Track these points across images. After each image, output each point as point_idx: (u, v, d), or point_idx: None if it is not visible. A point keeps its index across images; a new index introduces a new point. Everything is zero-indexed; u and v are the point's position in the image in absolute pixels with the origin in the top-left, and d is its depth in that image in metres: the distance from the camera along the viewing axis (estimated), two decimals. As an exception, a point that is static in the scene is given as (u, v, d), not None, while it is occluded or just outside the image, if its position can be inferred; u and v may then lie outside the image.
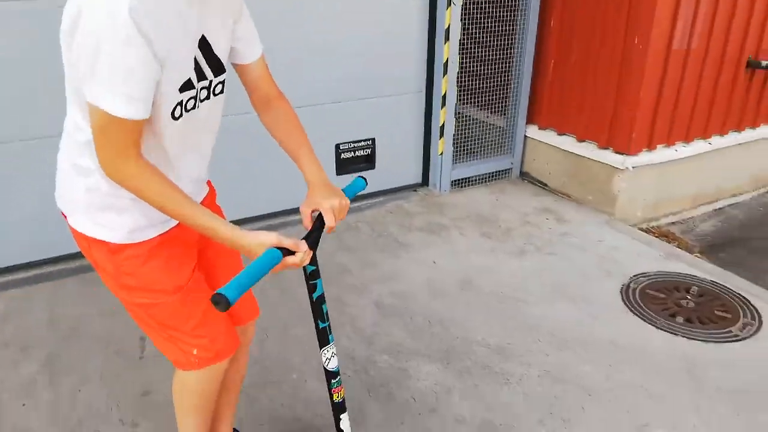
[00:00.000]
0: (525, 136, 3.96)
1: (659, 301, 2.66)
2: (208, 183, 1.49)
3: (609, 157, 3.45)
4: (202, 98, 1.21)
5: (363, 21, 3.27)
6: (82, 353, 2.25)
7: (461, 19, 3.41)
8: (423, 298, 2.64)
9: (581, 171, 3.64)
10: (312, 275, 1.30)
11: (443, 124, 3.63)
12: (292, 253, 1.15)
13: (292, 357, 2.25)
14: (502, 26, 3.60)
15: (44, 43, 2.33)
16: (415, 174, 3.82)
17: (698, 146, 3.61)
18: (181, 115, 1.17)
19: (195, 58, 1.16)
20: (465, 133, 3.78)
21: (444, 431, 1.93)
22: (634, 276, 2.86)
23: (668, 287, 2.77)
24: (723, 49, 3.44)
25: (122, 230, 1.25)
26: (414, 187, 3.80)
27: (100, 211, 1.24)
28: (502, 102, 3.82)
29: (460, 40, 3.45)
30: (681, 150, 3.53)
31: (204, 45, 1.18)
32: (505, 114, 3.89)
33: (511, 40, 3.67)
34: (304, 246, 1.17)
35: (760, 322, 2.53)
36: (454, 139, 3.70)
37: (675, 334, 2.44)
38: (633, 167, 3.37)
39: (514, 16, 3.62)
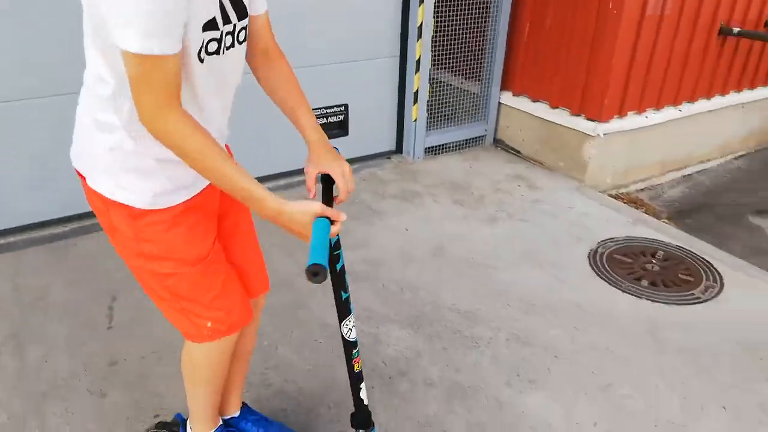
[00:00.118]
0: (499, 103, 3.95)
1: (626, 265, 2.72)
2: (227, 147, 1.39)
3: (581, 123, 3.46)
4: (227, 45, 1.14)
5: (334, -17, 3.19)
6: (47, 323, 2.21)
7: (435, -18, 3.35)
8: (395, 265, 2.65)
9: (553, 138, 3.65)
10: (335, 246, 1.28)
11: (417, 90, 3.59)
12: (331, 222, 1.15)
13: (264, 325, 2.24)
14: (476, -10, 3.54)
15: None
16: (389, 141, 3.79)
17: (668, 113, 3.64)
18: (204, 58, 1.10)
19: None
20: (439, 100, 3.75)
21: (414, 394, 1.97)
22: (602, 241, 2.91)
23: (635, 252, 2.83)
24: (696, 15, 3.45)
25: (146, 194, 1.19)
26: (388, 154, 3.78)
27: (123, 172, 1.17)
28: (476, 67, 3.79)
29: (434, 3, 3.39)
30: (651, 117, 3.56)
31: None
32: (479, 80, 3.86)
33: (487, 3, 3.62)
34: (343, 216, 1.17)
35: (722, 285, 2.60)
36: (428, 106, 3.67)
37: (640, 297, 2.51)
38: (604, 134, 3.40)
39: (488, -21, 3.56)
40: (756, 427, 1.90)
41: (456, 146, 3.91)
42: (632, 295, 2.52)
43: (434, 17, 3.43)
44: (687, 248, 2.87)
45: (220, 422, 1.62)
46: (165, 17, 0.96)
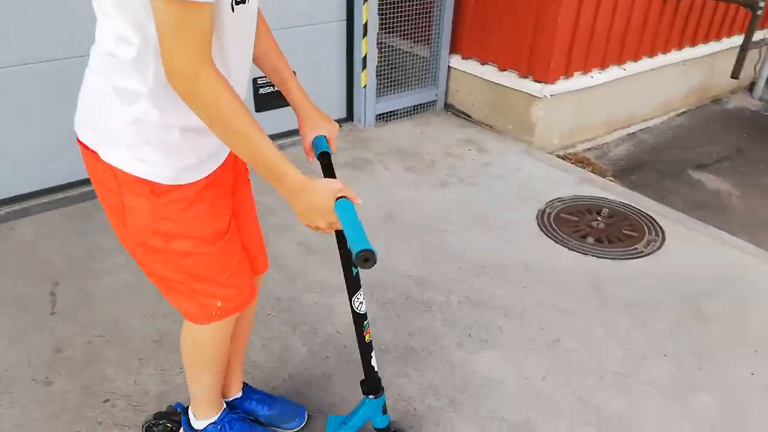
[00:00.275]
0: (448, 67, 3.93)
1: (572, 224, 2.79)
2: None
3: (528, 85, 3.49)
4: None
5: (273, -55, 3.06)
6: (-13, 312, 2.13)
7: (378, -57, 3.26)
8: (347, 235, 2.64)
9: (502, 101, 3.67)
10: None
11: (365, 56, 3.53)
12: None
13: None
14: (420, -50, 3.47)
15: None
16: (339, 109, 3.74)
17: (613, 72, 3.70)
18: (235, 7, 1.03)
19: None
20: (388, 65, 3.70)
21: (368, 361, 1.99)
22: (550, 201, 2.97)
23: (581, 210, 2.90)
24: (637, -27, 3.48)
25: (170, 169, 1.11)
26: (338, 122, 3.71)
27: (146, 145, 1.08)
28: (425, 31, 3.75)
29: (378, -35, 3.31)
30: (597, 77, 3.61)
31: None
32: (428, 44, 3.82)
33: (431, -35, 3.56)
34: (359, 199, 1.15)
35: (663, 239, 2.71)
36: (377, 71, 3.62)
37: (585, 254, 2.59)
38: (551, 95, 3.43)
39: (432, -61, 3.49)
40: (693, 372, 2.00)
41: (407, 112, 3.89)
42: (578, 252, 2.60)
43: (379, -20, 3.36)
44: (631, 204, 2.97)
45: (224, 405, 1.59)
46: None
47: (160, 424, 1.64)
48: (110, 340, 2.01)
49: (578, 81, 3.53)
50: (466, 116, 3.92)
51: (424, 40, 3.79)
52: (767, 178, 3.57)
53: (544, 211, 2.88)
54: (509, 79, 3.59)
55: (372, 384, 1.53)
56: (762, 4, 3.61)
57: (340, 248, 1.34)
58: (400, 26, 3.62)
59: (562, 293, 2.35)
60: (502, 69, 3.65)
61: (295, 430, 1.69)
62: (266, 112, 3.28)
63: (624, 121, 3.99)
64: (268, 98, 3.33)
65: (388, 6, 3.50)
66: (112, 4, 0.98)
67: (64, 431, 1.70)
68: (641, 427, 1.79)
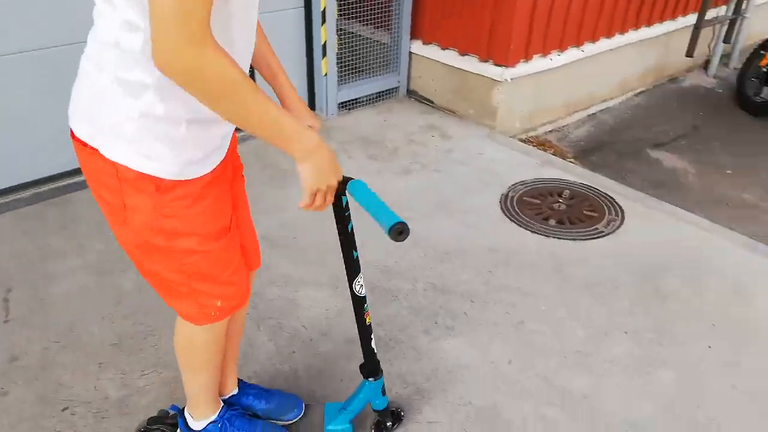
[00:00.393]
0: (410, 53, 3.91)
1: (534, 206, 2.82)
2: None
3: (489, 69, 3.49)
4: None
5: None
6: (-65, 322, 2.05)
7: (332, -73, 3.20)
8: (311, 227, 2.62)
9: (464, 85, 3.67)
10: (346, 207, 1.33)
11: (325, 43, 3.48)
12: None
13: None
14: (376, -66, 3.42)
15: None
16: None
17: (572, 54, 3.74)
18: None
19: None
20: (349, 52, 3.66)
21: (335, 353, 1.99)
22: (513, 185, 2.99)
23: (543, 193, 2.94)
24: (591, -46, 3.50)
25: (176, 164, 1.08)
26: (300, 112, 3.67)
27: (152, 140, 1.05)
28: (385, 16, 3.71)
29: (333, -50, 3.26)
30: (556, 59, 3.64)
31: None
32: (389, 29, 3.79)
33: (388, -51, 3.52)
34: None
35: (623, 218, 2.76)
36: (338, 59, 3.57)
37: (548, 236, 2.62)
38: (511, 79, 3.45)
39: None
40: (653, 347, 2.06)
41: (369, 100, 3.86)
42: (541, 234, 2.63)
43: (336, -35, 3.31)
44: (591, 185, 3.01)
45: (222, 404, 1.57)
46: None
47: (154, 429, 1.60)
48: (67, 346, 1.95)
49: (538, 64, 3.56)
50: (428, 102, 3.91)
51: (385, 25, 3.75)
52: (722, 155, 3.67)
53: (507, 195, 2.90)
54: (470, 63, 3.59)
55: (372, 367, 1.56)
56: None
57: (340, 234, 1.36)
58: (360, 12, 3.57)
59: (526, 276, 2.38)
60: (463, 53, 3.65)
61: (293, 420, 1.70)
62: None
63: (584, 102, 4.05)
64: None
65: (346, -9, 3.45)
66: None
67: (22, 442, 1.65)
68: (603, 405, 1.83)
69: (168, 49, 0.88)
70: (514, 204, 2.83)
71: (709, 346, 2.06)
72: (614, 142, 3.76)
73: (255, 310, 2.14)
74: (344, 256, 1.40)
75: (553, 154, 3.43)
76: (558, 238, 2.61)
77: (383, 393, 1.61)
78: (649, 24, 4.24)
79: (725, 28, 4.74)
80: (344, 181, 1.22)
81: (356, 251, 1.39)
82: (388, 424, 1.69)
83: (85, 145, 1.08)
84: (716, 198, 3.22)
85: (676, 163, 3.56)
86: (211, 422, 1.52)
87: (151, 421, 1.62)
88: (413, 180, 3.03)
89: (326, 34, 3.45)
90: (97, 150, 1.06)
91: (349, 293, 1.47)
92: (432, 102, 3.90)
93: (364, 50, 3.73)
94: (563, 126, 3.90)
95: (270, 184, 2.92)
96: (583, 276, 2.39)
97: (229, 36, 1.02)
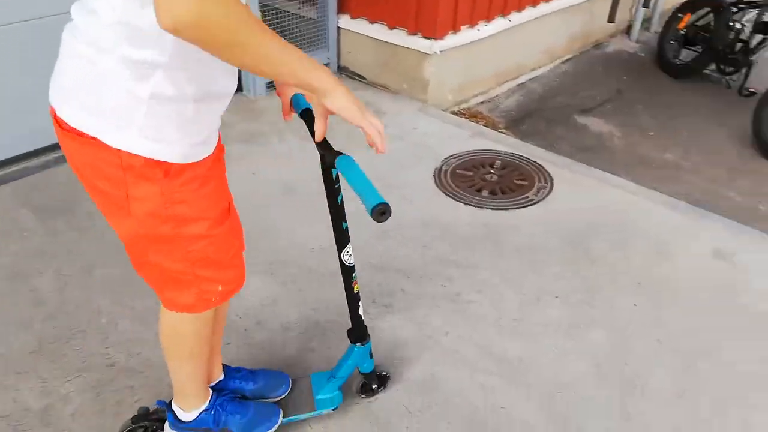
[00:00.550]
0: (338, 28, 3.82)
1: (467, 178, 2.85)
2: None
3: (418, 42, 3.46)
4: None
5: None
6: None
7: None
8: (245, 213, 2.49)
9: (394, 60, 3.63)
10: (336, 179, 1.34)
11: (247, 22, 3.34)
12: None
13: (99, 300, 2.08)
14: None
15: None
16: (225, 80, 3.54)
17: (499, 24, 3.75)
18: None
19: None
20: (276, 28, 3.53)
21: (272, 340, 1.95)
22: (446, 158, 3.01)
23: (475, 164, 2.97)
24: None
25: (184, 146, 1.05)
26: (227, 94, 3.54)
27: (162, 122, 1.01)
28: (310, -9, 3.60)
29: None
30: (483, 29, 3.65)
31: None
32: (315, 4, 3.69)
33: None
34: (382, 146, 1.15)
35: (552, 185, 2.83)
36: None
37: (481, 207, 2.65)
38: (440, 51, 3.43)
39: None
40: (583, 308, 2.13)
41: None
42: (474, 206, 2.66)
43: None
44: (521, 154, 3.06)
45: (211, 391, 1.54)
46: None
47: (140, 427, 1.55)
48: (-18, 356, 1.84)
49: (466, 35, 3.55)
50: (360, 78, 3.86)
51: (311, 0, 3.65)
52: (645, 118, 3.81)
53: (440, 169, 2.91)
54: (399, 37, 3.55)
55: (360, 332, 1.63)
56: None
57: (330, 206, 1.39)
58: (282, -13, 3.45)
59: (461, 248, 2.40)
60: (392, 27, 3.60)
61: (282, 396, 1.69)
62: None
63: (513, 71, 4.09)
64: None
65: (266, -34, 3.32)
66: None
67: (-64, 463, 1.55)
68: (540, 368, 1.89)
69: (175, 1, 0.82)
70: (448, 177, 2.84)
71: (635, 305, 2.15)
72: (543, 110, 3.83)
73: (187, 303, 2.07)
74: (334, 227, 1.44)
75: (484, 125, 3.46)
76: (491, 208, 2.65)
77: (370, 356, 1.68)
78: (572, -9, 4.31)
79: (645, -7, 4.89)
80: (334, 154, 1.23)
81: (345, 222, 1.44)
82: (374, 386, 1.75)
83: (80, 134, 1.01)
84: (640, 160, 3.35)
85: (602, 128, 3.66)
86: (203, 411, 1.50)
87: (135, 419, 1.57)
88: (346, 158, 2.99)
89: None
90: (96, 138, 1.00)
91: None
92: (364, 78, 3.85)
93: (291, 26, 3.62)
94: (494, 96, 3.93)
95: (198, 171, 2.81)
96: (516, 244, 2.44)
97: None
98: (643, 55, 4.78)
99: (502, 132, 3.45)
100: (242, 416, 1.54)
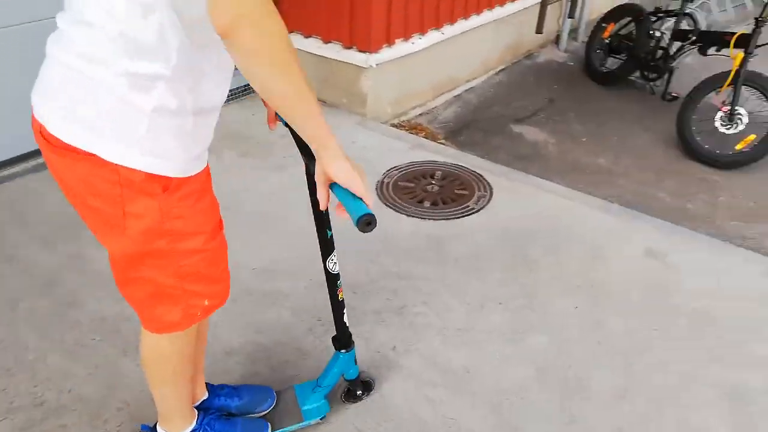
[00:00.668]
0: (273, 43, 3.77)
1: (409, 190, 2.86)
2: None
3: (354, 56, 3.47)
4: None
5: None
6: None
7: None
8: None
9: (331, 74, 3.62)
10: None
11: (178, 39, 3.26)
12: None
13: (26, 336, 1.95)
14: None
15: None
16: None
17: (433, 37, 3.81)
18: None
19: None
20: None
21: (214, 367, 1.88)
22: (387, 171, 3.01)
23: (417, 176, 2.99)
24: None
25: (183, 161, 1.05)
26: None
27: (163, 136, 0.99)
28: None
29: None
30: (418, 42, 3.70)
31: None
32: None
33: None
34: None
35: (491, 193, 2.88)
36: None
37: (423, 218, 2.67)
38: (377, 64, 3.45)
39: None
40: (524, 312, 2.17)
41: (235, 94, 3.69)
42: (417, 217, 2.67)
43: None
44: (461, 164, 3.11)
45: (197, 412, 1.52)
46: None
47: None
48: None
49: (401, 48, 3.59)
50: (298, 93, 3.82)
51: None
52: (576, 125, 3.95)
53: (382, 181, 2.91)
54: (335, 51, 3.55)
55: (344, 339, 1.65)
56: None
57: (315, 216, 1.44)
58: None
59: (405, 260, 2.41)
60: (327, 41, 3.60)
61: (268, 410, 1.68)
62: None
63: (449, 83, 4.16)
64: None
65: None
66: None
67: None
68: (484, 376, 1.90)
69: (238, 15, 0.84)
70: (390, 189, 2.85)
71: (576, 307, 2.21)
72: (480, 120, 3.91)
73: (119, 335, 1.97)
74: (318, 236, 1.47)
75: (424, 137, 3.50)
76: (433, 219, 2.67)
77: (355, 362, 1.70)
78: (502, 4, 4.44)
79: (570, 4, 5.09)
80: None
81: (330, 230, 1.46)
82: (358, 392, 1.77)
83: (73, 149, 0.98)
84: (574, 165, 3.46)
85: (537, 136, 3.77)
86: (191, 431, 1.48)
87: None
88: (288, 175, 2.95)
89: (179, 27, 3.23)
90: (92, 154, 0.98)
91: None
92: (301, 93, 3.81)
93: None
94: (432, 108, 3.99)
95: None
96: (459, 253, 2.46)
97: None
98: (572, 64, 4.98)
99: (441, 143, 3.49)
100: None
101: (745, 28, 3.50)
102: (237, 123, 3.43)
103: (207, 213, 1.18)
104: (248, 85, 3.74)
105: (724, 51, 3.65)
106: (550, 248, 2.52)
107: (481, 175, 3.01)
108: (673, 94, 4.15)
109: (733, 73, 3.39)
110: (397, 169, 3.03)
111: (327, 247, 1.48)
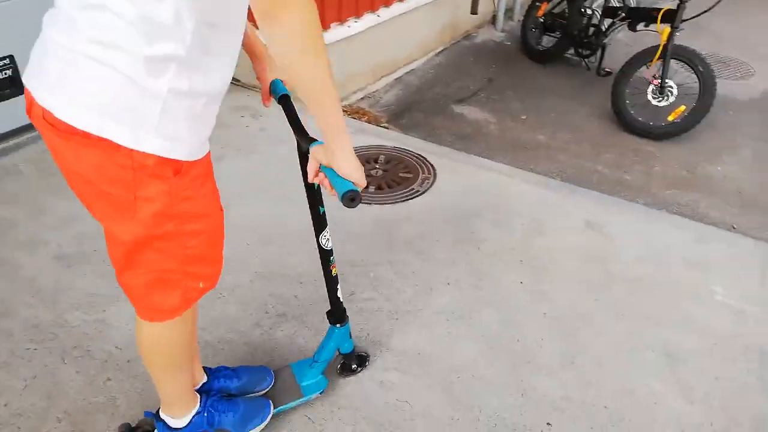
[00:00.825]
0: (206, 30, 3.65)
1: (353, 176, 2.83)
2: None
3: (290, 42, 3.39)
4: None
5: None
6: None
7: None
8: (115, 234, 2.35)
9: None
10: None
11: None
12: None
13: (-51, 351, 1.83)
14: None
15: None
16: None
17: (369, 20, 3.77)
18: None
19: None
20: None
21: (158, 369, 1.82)
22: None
23: (360, 161, 2.95)
24: None
25: (194, 143, 1.08)
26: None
27: (177, 119, 1.02)
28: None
29: None
30: (354, 26, 3.65)
31: None
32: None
33: None
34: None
35: (435, 175, 2.89)
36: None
37: (369, 203, 2.65)
38: (314, 49, 3.38)
39: None
40: (472, 291, 2.19)
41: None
42: (363, 203, 2.64)
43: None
44: (404, 147, 3.10)
45: (198, 396, 1.52)
46: None
47: None
48: None
49: (337, 32, 3.54)
50: (234, 80, 3.71)
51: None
52: (516, 103, 4.02)
53: (325, 168, 2.87)
54: (270, 37, 3.45)
55: (339, 314, 1.68)
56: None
57: (307, 191, 1.48)
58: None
59: (353, 246, 2.39)
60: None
61: (267, 389, 1.70)
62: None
63: (389, 66, 4.14)
64: None
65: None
66: None
67: None
68: (438, 357, 1.92)
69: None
70: (333, 176, 2.81)
71: (521, 282, 2.25)
72: (421, 102, 3.91)
73: (56, 342, 1.88)
74: (311, 212, 1.49)
75: (367, 122, 3.47)
76: (379, 203, 2.66)
77: (350, 336, 1.74)
78: (437, -16, 4.44)
79: (505, -16, 5.15)
80: (309, 140, 1.27)
81: (323, 207, 1.48)
82: (354, 366, 1.81)
83: (84, 135, 0.97)
84: (515, 143, 3.52)
85: (478, 116, 3.81)
86: (195, 414, 1.49)
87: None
88: (227, 165, 2.87)
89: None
90: (105, 140, 0.98)
91: None
92: (238, 80, 3.70)
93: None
94: (374, 92, 3.96)
95: (57, 195, 2.55)
96: (406, 236, 2.46)
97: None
98: (509, 43, 5.04)
99: (384, 127, 3.47)
100: (234, 413, 1.55)
101: (671, 4, 3.62)
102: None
103: (212, 195, 1.22)
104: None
105: (652, 26, 3.77)
106: (494, 226, 2.55)
107: (424, 158, 3.01)
108: (607, 70, 4.27)
109: (661, 48, 3.52)
110: (340, 155, 2.99)
111: (320, 223, 1.51)
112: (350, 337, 1.75)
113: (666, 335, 2.04)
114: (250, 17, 1.17)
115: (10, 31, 2.79)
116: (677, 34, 3.52)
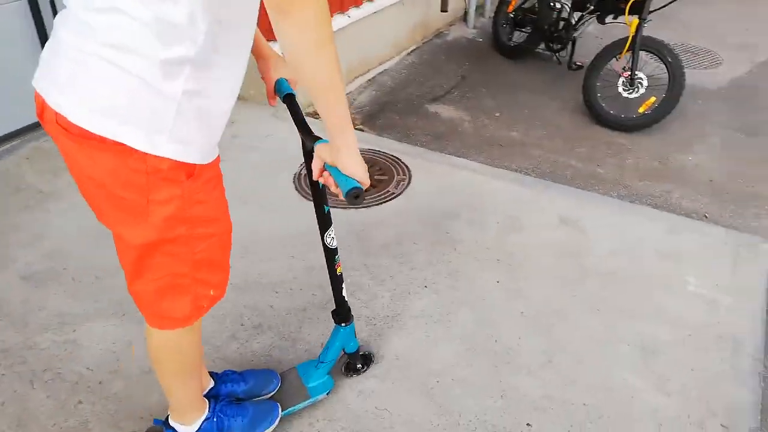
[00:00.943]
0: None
1: (327, 181, 2.81)
2: None
3: (259, 46, 3.35)
4: None
5: None
6: None
7: None
8: (83, 251, 2.30)
9: (238, 66, 3.49)
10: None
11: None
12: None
13: None
14: None
15: None
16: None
17: (339, 21, 3.75)
18: None
19: None
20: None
21: (130, 389, 1.78)
22: (303, 163, 2.94)
23: (334, 165, 2.93)
24: None
25: (206, 146, 1.09)
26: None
27: (190, 122, 1.02)
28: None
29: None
30: (324, 28, 3.61)
31: None
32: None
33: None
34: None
35: (410, 176, 2.88)
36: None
37: (345, 208, 2.63)
38: (282, 52, 3.35)
39: None
40: (449, 292, 2.19)
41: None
42: (338, 207, 2.63)
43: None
44: (378, 149, 3.09)
45: (207, 402, 1.53)
46: None
47: None
48: None
49: (307, 35, 3.50)
50: (205, 88, 3.66)
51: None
52: (488, 100, 4.02)
53: (300, 174, 2.85)
54: (239, 42, 3.41)
55: (344, 313, 1.69)
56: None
57: (312, 190, 1.47)
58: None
59: (327, 253, 2.36)
60: (230, 32, 3.45)
61: (274, 391, 1.71)
62: None
63: (362, 67, 4.12)
64: None
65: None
66: None
67: None
68: (417, 361, 1.91)
69: None
70: (307, 182, 2.78)
71: (498, 281, 2.25)
72: (395, 102, 3.90)
73: (25, 366, 1.83)
74: (316, 211, 1.50)
75: (340, 124, 3.44)
76: (354, 208, 2.64)
77: (354, 336, 1.75)
78: (407, -17, 4.42)
79: (474, -19, 5.15)
80: (314, 138, 1.28)
81: (327, 206, 1.49)
82: (359, 366, 1.82)
83: (99, 140, 0.97)
84: (490, 140, 3.52)
85: (452, 114, 3.81)
86: (204, 420, 1.50)
87: None
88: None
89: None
90: (120, 144, 0.98)
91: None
92: (209, 87, 3.66)
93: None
94: (348, 93, 3.93)
95: (26, 211, 2.50)
96: (383, 240, 2.45)
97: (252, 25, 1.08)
98: (480, 40, 5.04)
99: (359, 129, 3.45)
100: (243, 417, 1.56)
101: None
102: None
103: (222, 199, 1.22)
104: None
105: (620, 18, 3.80)
106: (470, 225, 2.55)
107: (398, 159, 3.00)
108: (578, 63, 4.30)
109: (630, 40, 3.54)
110: (314, 160, 2.97)
111: (325, 222, 1.51)
112: (355, 336, 1.75)
113: (640, 328, 2.06)
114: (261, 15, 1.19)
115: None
116: (645, 25, 3.56)
